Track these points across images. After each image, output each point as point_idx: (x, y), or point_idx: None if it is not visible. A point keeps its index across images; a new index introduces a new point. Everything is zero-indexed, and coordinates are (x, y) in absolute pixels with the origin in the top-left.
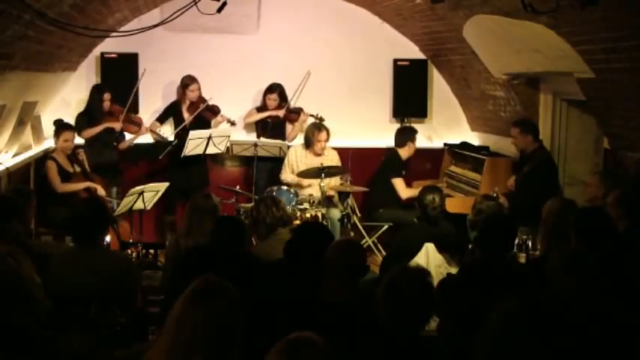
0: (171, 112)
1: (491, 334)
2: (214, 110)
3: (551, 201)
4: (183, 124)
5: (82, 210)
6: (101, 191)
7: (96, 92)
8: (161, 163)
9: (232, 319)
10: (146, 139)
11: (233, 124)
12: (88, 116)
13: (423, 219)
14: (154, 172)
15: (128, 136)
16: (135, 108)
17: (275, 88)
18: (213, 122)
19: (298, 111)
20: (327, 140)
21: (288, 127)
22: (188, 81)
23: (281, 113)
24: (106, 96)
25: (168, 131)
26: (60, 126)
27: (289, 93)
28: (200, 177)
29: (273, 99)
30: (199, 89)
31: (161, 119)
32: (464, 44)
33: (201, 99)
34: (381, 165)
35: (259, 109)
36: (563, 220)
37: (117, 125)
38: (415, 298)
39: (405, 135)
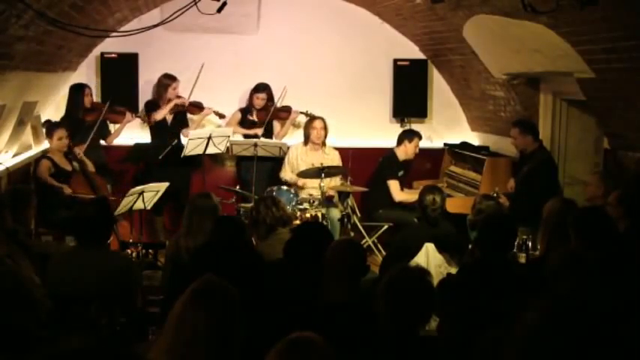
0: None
1: (525, 337)
2: (199, 105)
3: (552, 201)
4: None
5: (87, 211)
6: (67, 190)
7: (75, 91)
8: (154, 165)
9: (232, 320)
10: (146, 138)
11: (222, 116)
12: (69, 120)
13: (423, 219)
14: (145, 173)
15: (113, 129)
16: (135, 109)
17: (263, 88)
18: (198, 117)
19: (288, 109)
20: (323, 128)
21: (276, 126)
22: (170, 80)
23: (260, 132)
24: (87, 91)
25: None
26: (51, 126)
27: (290, 92)
28: (183, 178)
29: (261, 98)
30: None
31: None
32: (464, 44)
33: (179, 97)
34: (379, 165)
35: (244, 110)
36: (564, 220)
37: (81, 148)
38: (415, 298)
39: (403, 135)
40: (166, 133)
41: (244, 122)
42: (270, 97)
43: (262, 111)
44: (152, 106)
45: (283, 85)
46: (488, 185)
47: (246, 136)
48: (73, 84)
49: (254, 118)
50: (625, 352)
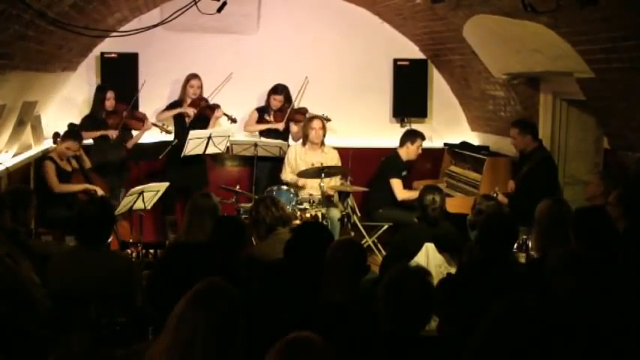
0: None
1: (480, 336)
2: (212, 107)
3: (544, 201)
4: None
5: (89, 211)
6: (100, 192)
7: (98, 93)
8: (161, 163)
9: (233, 321)
10: (146, 138)
11: (234, 121)
12: (92, 118)
13: (423, 219)
14: (153, 172)
15: (134, 133)
16: (135, 108)
17: (281, 90)
18: (212, 119)
19: (304, 111)
20: (322, 128)
21: (293, 127)
22: (190, 77)
23: (281, 126)
24: (109, 95)
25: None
26: (69, 133)
27: (291, 92)
28: (199, 176)
29: (278, 100)
30: (200, 87)
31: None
32: (464, 44)
33: (202, 98)
34: (381, 165)
35: (261, 110)
36: (556, 220)
37: (112, 134)
38: (415, 298)
39: (405, 136)
40: (183, 132)
41: (261, 122)
42: (288, 99)
43: (279, 112)
44: (171, 106)
45: (290, 84)
46: (488, 185)
47: (268, 131)
48: (97, 85)
49: (271, 118)
50: (623, 352)
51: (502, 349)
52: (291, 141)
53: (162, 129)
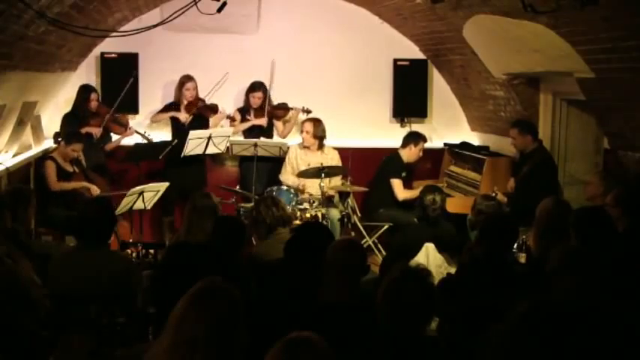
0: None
1: (501, 337)
2: (213, 108)
3: (545, 201)
4: (182, 122)
5: (89, 211)
6: (95, 191)
7: (82, 92)
8: (160, 164)
9: (233, 321)
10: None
11: (233, 119)
12: (73, 116)
13: (423, 219)
14: (153, 172)
15: (115, 137)
16: (135, 108)
17: (258, 87)
18: (212, 120)
19: (284, 107)
20: (311, 135)
21: (278, 125)
22: (184, 79)
23: (264, 122)
24: (93, 96)
25: (165, 131)
26: (74, 135)
27: (290, 92)
28: (198, 177)
29: (258, 97)
30: (196, 89)
31: None
32: (464, 44)
33: (199, 99)
34: (382, 165)
35: (242, 110)
36: (556, 219)
37: (95, 131)
38: (415, 298)
39: (409, 137)
40: (182, 134)
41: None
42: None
43: (259, 110)
44: (169, 107)
45: (283, 85)
46: (489, 185)
47: (251, 129)
48: (82, 84)
49: (252, 118)
50: (624, 352)
51: (525, 349)
52: (291, 141)
53: (144, 137)
